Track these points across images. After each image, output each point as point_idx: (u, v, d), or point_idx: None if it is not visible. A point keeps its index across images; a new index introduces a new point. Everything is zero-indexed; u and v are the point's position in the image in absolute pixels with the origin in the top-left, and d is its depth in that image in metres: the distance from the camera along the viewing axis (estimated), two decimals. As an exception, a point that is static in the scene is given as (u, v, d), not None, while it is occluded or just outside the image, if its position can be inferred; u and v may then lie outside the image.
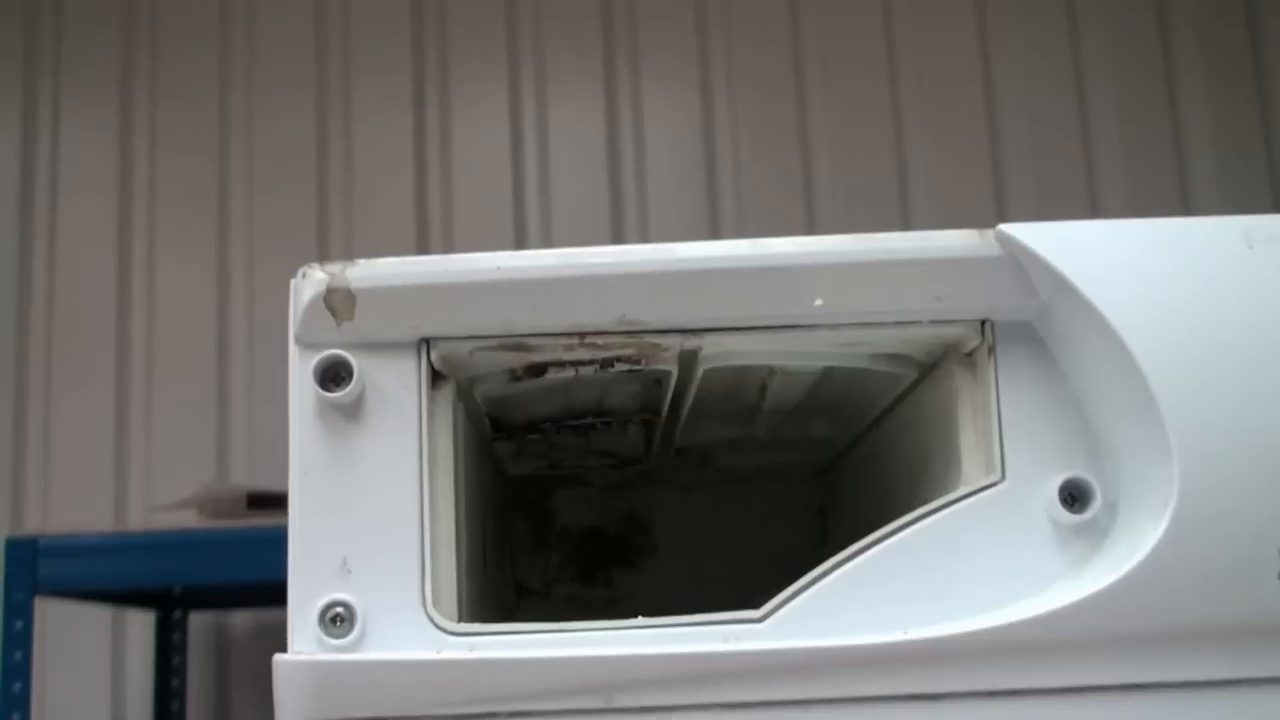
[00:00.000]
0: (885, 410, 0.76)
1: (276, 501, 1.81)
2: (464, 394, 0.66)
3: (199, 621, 2.24)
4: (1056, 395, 0.59)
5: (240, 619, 2.26)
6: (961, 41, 2.41)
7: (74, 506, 2.21)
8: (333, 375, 0.59)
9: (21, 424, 2.27)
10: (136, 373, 2.28)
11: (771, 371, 0.69)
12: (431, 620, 0.57)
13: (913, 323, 0.60)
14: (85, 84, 2.39)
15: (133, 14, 2.40)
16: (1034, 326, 0.60)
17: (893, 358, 0.65)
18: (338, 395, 0.58)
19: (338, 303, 0.59)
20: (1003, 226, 0.58)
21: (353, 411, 0.59)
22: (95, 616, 2.19)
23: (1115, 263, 0.57)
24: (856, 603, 0.57)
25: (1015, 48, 2.41)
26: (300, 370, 0.59)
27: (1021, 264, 0.58)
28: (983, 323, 0.60)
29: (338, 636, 0.57)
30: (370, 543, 0.58)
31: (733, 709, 0.55)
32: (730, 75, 2.41)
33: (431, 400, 0.60)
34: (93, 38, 2.39)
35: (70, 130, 2.38)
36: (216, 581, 1.85)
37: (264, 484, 1.89)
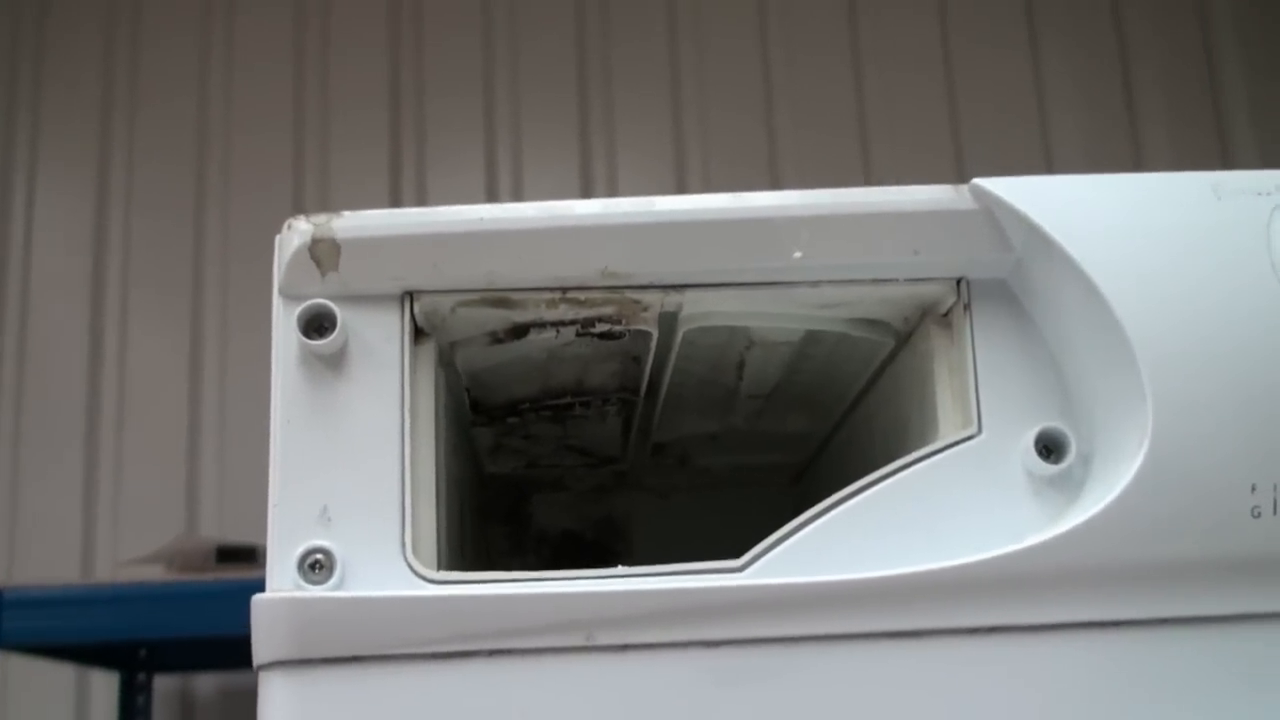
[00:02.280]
0: (861, 394, 0.77)
1: (247, 555, 1.79)
2: (446, 362, 0.67)
3: (164, 685, 2.20)
4: (1032, 350, 0.60)
5: (205, 683, 2.22)
6: (935, 127, 2.47)
7: (40, 562, 2.18)
8: (316, 325, 0.59)
9: (-13, 477, 2.25)
10: (106, 427, 2.27)
11: (750, 344, 0.70)
12: (411, 568, 0.57)
13: (889, 280, 0.61)
14: (62, 142, 2.41)
15: (111, 72, 2.42)
16: (1009, 284, 0.61)
17: (871, 324, 0.66)
18: (321, 344, 0.59)
19: (322, 253, 0.60)
20: (977, 180, 0.59)
21: (335, 362, 0.59)
22: (59, 677, 2.15)
23: (1087, 214, 0.58)
24: (835, 552, 0.57)
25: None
26: (284, 320, 0.60)
27: (995, 216, 0.59)
28: (958, 281, 0.61)
29: (316, 583, 0.57)
30: (350, 492, 0.58)
31: (713, 647, 0.55)
32: (705, 144, 2.44)
33: (414, 356, 0.60)
34: (70, 95, 2.41)
35: (46, 187, 2.39)
36: (184, 635, 1.82)
37: (235, 538, 1.87)
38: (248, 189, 2.38)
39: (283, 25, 2.46)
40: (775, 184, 2.41)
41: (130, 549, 2.02)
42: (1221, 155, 2.44)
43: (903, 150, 2.43)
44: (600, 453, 0.89)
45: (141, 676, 2.14)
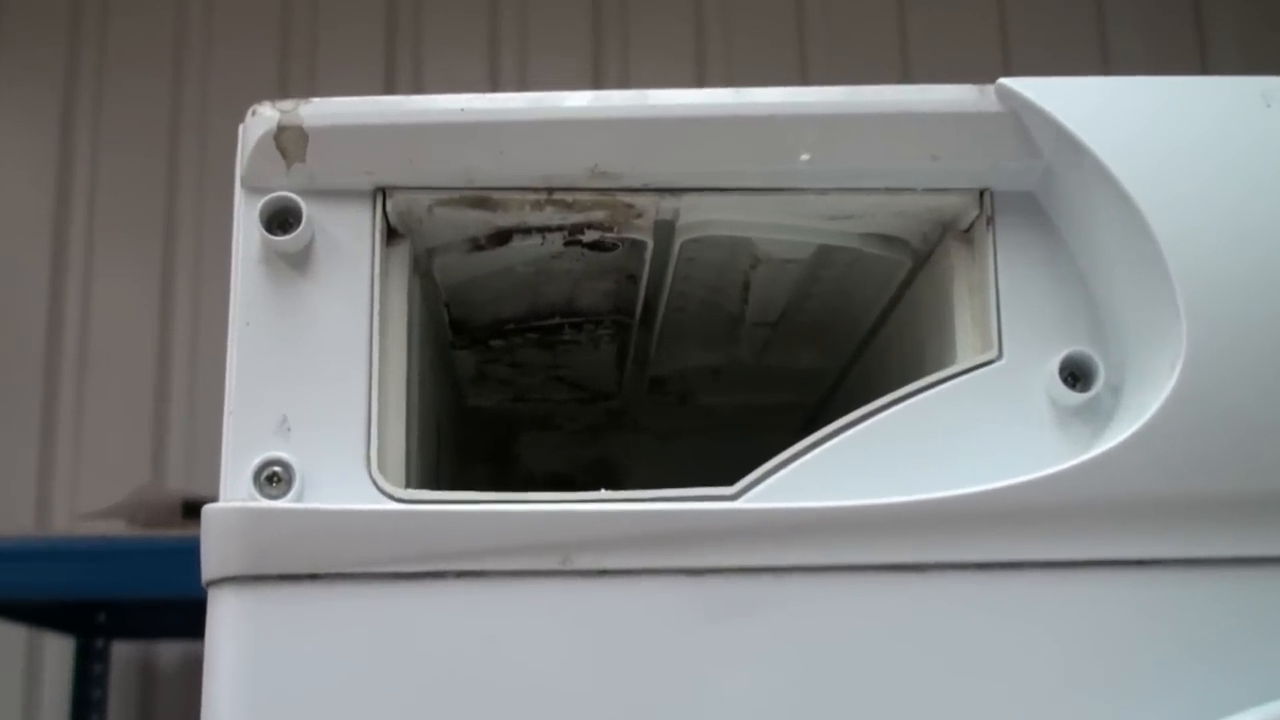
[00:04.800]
0: (877, 324, 0.72)
1: (215, 511, 1.73)
2: (423, 272, 0.62)
3: (122, 652, 2.06)
4: (1059, 270, 0.56)
5: (168, 651, 2.12)
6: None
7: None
8: (280, 220, 0.55)
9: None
10: (67, 369, 2.16)
11: (755, 263, 0.66)
12: (376, 484, 0.53)
13: (906, 190, 0.57)
14: (27, 76, 2.29)
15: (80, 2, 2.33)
16: (1036, 197, 0.56)
17: (886, 240, 0.61)
18: (284, 240, 0.54)
19: (289, 142, 0.55)
20: (1004, 80, 0.55)
21: (300, 261, 0.55)
22: (8, 642, 2.04)
23: (1124, 120, 0.53)
24: (836, 480, 0.53)
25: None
26: (246, 215, 0.55)
27: (1023, 120, 0.54)
28: (981, 192, 0.57)
29: (273, 496, 0.52)
30: (313, 401, 0.53)
31: (698, 575, 0.50)
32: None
33: (386, 258, 0.56)
34: (36, 26, 2.31)
35: (9, 123, 2.30)
36: (145, 596, 1.74)
37: (203, 490, 1.80)
38: (227, 117, 2.28)
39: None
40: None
41: (90, 501, 1.92)
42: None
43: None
44: (593, 386, 0.84)
45: (99, 642, 1.96)
